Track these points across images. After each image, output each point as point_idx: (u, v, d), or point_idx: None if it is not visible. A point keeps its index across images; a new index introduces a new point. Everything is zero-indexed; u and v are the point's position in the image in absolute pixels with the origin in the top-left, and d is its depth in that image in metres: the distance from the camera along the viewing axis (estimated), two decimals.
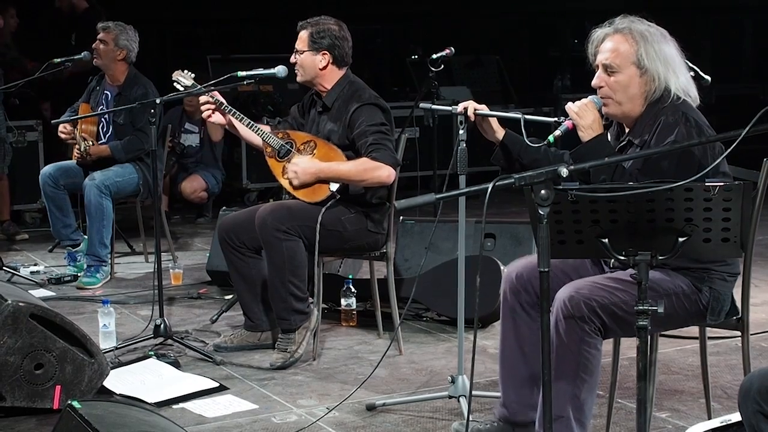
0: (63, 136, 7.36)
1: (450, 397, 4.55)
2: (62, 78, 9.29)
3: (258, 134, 5.55)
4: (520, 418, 4.11)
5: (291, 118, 5.74)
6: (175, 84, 5.75)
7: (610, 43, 3.89)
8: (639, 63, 3.83)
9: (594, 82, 3.93)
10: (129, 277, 7.56)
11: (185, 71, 5.77)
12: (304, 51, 5.47)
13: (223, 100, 5.62)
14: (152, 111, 5.51)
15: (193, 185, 9.54)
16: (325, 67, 5.47)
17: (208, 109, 5.61)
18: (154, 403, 4.73)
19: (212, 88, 5.62)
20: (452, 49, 7.73)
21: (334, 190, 5.31)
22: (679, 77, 3.85)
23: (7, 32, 10.10)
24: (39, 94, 10.12)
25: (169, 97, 5.86)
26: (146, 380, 5.01)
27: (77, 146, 7.29)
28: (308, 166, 5.33)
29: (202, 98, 5.64)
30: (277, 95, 10.75)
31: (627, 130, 3.95)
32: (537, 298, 3.91)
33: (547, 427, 3.11)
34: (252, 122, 5.58)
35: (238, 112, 5.61)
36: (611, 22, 3.94)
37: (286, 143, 5.49)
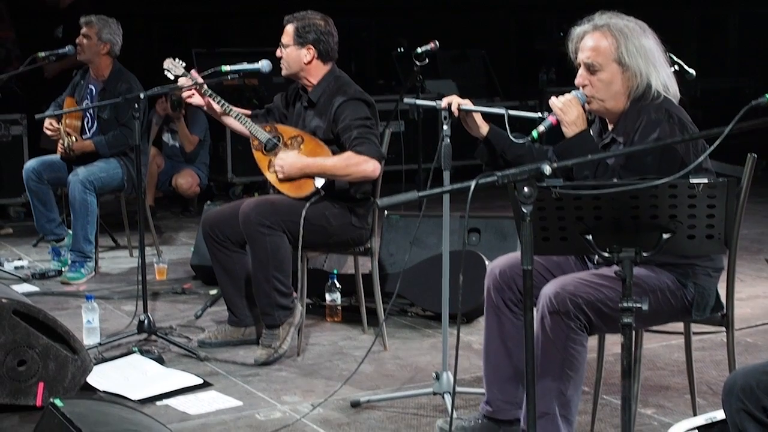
0: (49, 133, 7.32)
1: (434, 393, 4.53)
2: (50, 75, 9.30)
3: (245, 126, 5.54)
4: (505, 416, 4.09)
5: (275, 107, 5.72)
6: (165, 72, 5.71)
7: (590, 41, 3.87)
8: (620, 60, 3.82)
9: (577, 81, 3.92)
10: (113, 272, 7.54)
11: (176, 60, 5.74)
12: (289, 45, 5.46)
13: (207, 87, 5.59)
14: (136, 106, 5.49)
15: (188, 180, 9.51)
16: (309, 62, 5.45)
17: (190, 90, 5.59)
18: (138, 400, 4.71)
19: (200, 81, 5.58)
20: (437, 42, 7.70)
21: (320, 186, 5.30)
22: (660, 72, 3.84)
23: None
24: (24, 89, 10.10)
25: (153, 91, 5.82)
26: (130, 377, 4.99)
27: (61, 141, 7.25)
28: (294, 161, 5.32)
29: (183, 80, 5.62)
30: (262, 89, 10.73)
31: (610, 126, 3.95)
32: (520, 295, 3.90)
33: (531, 424, 3.10)
34: (239, 113, 5.56)
35: (225, 102, 5.59)
36: (590, 18, 3.92)
37: (273, 137, 5.47)
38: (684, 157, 3.61)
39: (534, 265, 3.04)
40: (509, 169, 2.98)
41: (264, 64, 5.55)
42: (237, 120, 5.57)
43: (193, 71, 5.67)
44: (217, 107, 5.62)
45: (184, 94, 5.64)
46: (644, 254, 3.13)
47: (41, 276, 7.24)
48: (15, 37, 10.44)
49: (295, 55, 5.44)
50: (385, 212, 6.59)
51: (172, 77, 5.70)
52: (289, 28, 5.47)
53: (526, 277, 3.00)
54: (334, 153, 5.31)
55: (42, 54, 7.36)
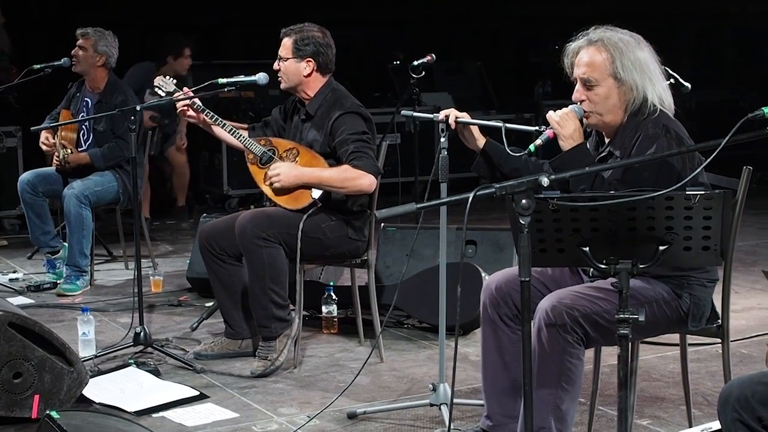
0: (45, 149, 7.32)
1: (431, 405, 4.53)
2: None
3: (239, 140, 5.53)
4: (505, 430, 4.08)
5: (272, 120, 5.72)
6: (156, 90, 5.72)
7: (585, 57, 3.88)
8: (616, 75, 3.82)
9: (574, 96, 3.92)
10: (109, 285, 7.53)
11: (167, 77, 5.75)
12: (288, 58, 5.46)
13: (200, 103, 5.60)
14: (132, 118, 5.48)
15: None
16: (309, 75, 5.45)
17: (184, 106, 5.59)
18: (134, 412, 4.70)
19: (192, 94, 5.60)
20: (433, 56, 7.72)
21: (316, 197, 5.30)
22: (656, 84, 3.84)
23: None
24: (20, 101, 10.11)
25: (149, 104, 5.84)
26: (126, 389, 4.99)
27: (56, 153, 7.25)
28: (290, 169, 5.31)
29: (179, 95, 5.63)
30: (258, 101, 10.73)
31: (607, 140, 3.95)
32: (516, 310, 3.91)
33: None
34: (233, 127, 5.56)
35: (218, 117, 5.58)
36: (585, 33, 3.93)
37: (268, 150, 5.47)
38: (681, 171, 3.61)
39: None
40: (507, 181, 2.98)
41: (260, 77, 5.54)
42: (231, 134, 5.56)
43: (185, 88, 5.67)
44: (210, 122, 5.61)
45: (179, 110, 5.63)
46: (641, 266, 3.14)
47: (36, 288, 7.22)
48: (12, 46, 10.45)
49: (295, 68, 5.44)
50: (382, 224, 6.60)
51: (163, 94, 5.70)
52: (287, 41, 5.47)
53: (523, 288, 3.00)
54: (330, 166, 5.31)
55: (37, 66, 7.37)
